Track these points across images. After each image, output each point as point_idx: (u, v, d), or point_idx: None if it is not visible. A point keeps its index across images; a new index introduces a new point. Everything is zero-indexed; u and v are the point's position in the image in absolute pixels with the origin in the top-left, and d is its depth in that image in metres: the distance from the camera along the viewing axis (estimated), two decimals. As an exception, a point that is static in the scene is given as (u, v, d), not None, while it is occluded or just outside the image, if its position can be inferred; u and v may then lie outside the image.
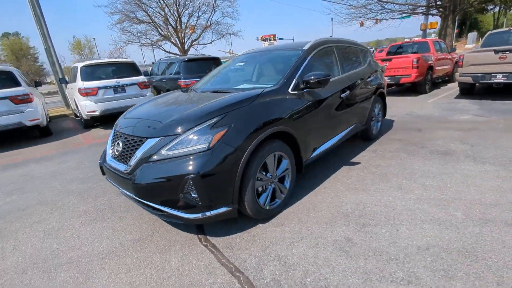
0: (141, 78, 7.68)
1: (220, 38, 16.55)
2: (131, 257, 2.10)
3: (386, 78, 7.87)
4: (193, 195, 1.92)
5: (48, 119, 7.71)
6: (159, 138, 2.01)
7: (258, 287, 1.71)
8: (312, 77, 2.59)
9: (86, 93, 6.89)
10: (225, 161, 1.95)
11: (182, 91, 3.26)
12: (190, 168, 1.88)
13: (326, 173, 3.28)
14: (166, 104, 2.64)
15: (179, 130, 2.00)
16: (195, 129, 1.98)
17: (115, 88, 7.17)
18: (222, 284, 1.76)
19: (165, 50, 17.40)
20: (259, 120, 2.19)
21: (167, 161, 1.94)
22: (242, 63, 3.52)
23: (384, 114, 4.70)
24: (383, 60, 7.99)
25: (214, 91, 2.84)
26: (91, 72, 7.19)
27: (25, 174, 4.23)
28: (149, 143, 2.03)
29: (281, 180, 2.57)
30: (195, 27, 15.34)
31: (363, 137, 4.26)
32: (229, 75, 3.37)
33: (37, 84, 8.81)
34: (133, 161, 2.06)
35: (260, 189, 2.34)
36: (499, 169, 3.00)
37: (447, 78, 9.79)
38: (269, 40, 56.25)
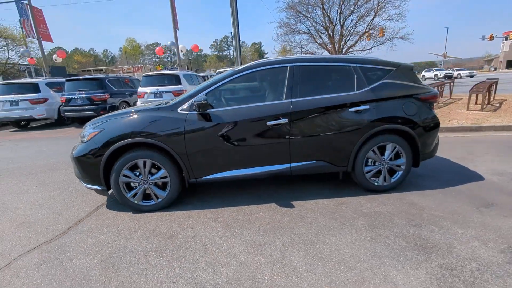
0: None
1: (382, 43, 14.55)
2: (49, 192, 3.42)
3: None
4: (77, 170, 2.90)
5: None
6: (82, 128, 3.13)
7: (56, 243, 2.46)
8: (194, 100, 2.66)
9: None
10: (90, 153, 2.75)
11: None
12: (74, 151, 2.87)
13: (230, 201, 3.07)
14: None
15: (86, 126, 3.02)
16: (88, 127, 2.91)
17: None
18: (53, 236, 2.65)
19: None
20: (126, 130, 2.73)
21: (78, 144, 3.02)
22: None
23: (414, 163, 3.10)
24: None
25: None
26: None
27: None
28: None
29: (163, 186, 2.92)
30: (350, 34, 14.51)
31: (357, 184, 3.19)
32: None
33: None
34: None
35: (132, 185, 2.89)
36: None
37: None
38: (507, 39, 40.68)
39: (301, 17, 14.18)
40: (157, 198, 2.91)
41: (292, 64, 2.97)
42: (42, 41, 15.14)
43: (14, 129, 10.14)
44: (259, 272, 1.94)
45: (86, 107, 9.44)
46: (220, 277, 1.91)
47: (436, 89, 5.86)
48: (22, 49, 16.27)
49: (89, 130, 2.88)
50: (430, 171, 3.72)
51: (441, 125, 6.22)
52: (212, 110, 2.80)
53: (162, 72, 10.06)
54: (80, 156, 2.80)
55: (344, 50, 14.82)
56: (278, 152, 2.91)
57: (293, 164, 2.97)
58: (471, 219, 2.50)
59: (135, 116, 2.83)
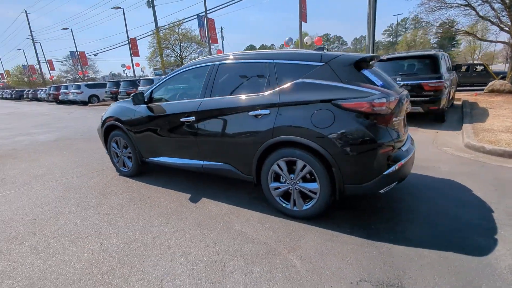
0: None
1: None
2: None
3: None
4: (101, 138, 4.35)
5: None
6: None
7: (66, 180, 3.98)
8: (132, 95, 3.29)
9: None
10: (101, 127, 4.05)
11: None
12: (99, 125, 4.30)
13: (171, 183, 3.46)
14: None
15: None
16: (106, 109, 4.24)
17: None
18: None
19: (478, 38, 11.58)
20: (110, 114, 3.80)
21: None
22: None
23: (330, 193, 2.20)
24: None
25: None
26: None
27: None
28: None
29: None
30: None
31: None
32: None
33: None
34: None
35: (118, 154, 3.98)
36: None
37: None
38: None
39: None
40: (128, 167, 3.88)
41: (213, 63, 2.93)
42: (212, 44, 20.18)
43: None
44: (65, 237, 2.46)
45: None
46: (55, 226, 2.60)
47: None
48: (198, 50, 22.48)
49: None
50: (412, 223, 2.45)
51: None
52: (151, 104, 3.35)
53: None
54: (98, 129, 4.20)
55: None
56: (191, 148, 3.06)
57: (204, 162, 3.01)
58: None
59: (117, 105, 3.86)
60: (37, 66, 45.68)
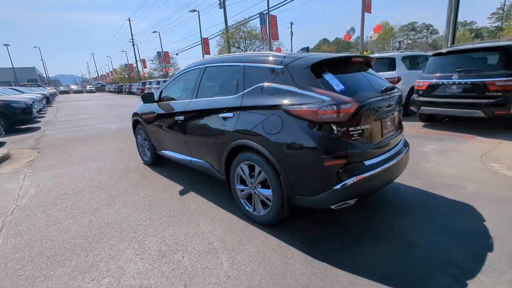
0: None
1: None
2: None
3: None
4: (135, 130, 5.03)
5: None
6: None
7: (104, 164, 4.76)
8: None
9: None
10: (132, 121, 4.71)
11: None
12: (133, 119, 4.98)
13: (180, 177, 3.78)
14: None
15: None
16: (138, 106, 4.87)
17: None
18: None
19: None
20: (135, 111, 4.36)
21: None
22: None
23: (283, 202, 2.06)
24: None
25: None
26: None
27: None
28: None
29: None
30: None
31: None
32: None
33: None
34: None
35: (142, 146, 4.56)
36: None
37: None
38: None
39: None
40: (147, 157, 4.41)
41: (201, 66, 3.08)
42: (272, 40, 20.32)
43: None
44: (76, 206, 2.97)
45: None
46: (72, 200, 3.17)
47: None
48: (259, 47, 22.94)
49: (138, 108, 4.86)
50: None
51: None
52: (159, 103, 3.72)
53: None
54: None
55: None
56: (183, 144, 3.31)
57: (192, 159, 3.22)
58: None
59: (142, 102, 4.40)
60: (135, 65, 54.36)
